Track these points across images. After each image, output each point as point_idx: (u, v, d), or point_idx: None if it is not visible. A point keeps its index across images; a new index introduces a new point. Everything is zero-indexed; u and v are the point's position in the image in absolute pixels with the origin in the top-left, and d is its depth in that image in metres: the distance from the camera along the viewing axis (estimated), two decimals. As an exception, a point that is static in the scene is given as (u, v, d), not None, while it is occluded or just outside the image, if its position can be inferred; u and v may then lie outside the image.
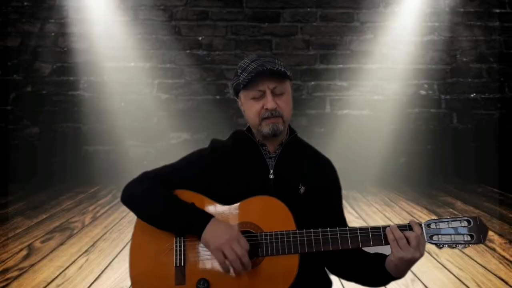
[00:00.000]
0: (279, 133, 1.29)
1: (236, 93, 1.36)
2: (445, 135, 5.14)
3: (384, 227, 1.21)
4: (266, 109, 1.27)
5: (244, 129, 1.40)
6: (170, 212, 1.23)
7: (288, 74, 1.28)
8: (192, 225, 1.20)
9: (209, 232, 1.18)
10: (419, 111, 5.16)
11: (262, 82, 1.26)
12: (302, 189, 1.30)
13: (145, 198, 1.26)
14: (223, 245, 1.15)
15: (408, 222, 1.22)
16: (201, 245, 1.22)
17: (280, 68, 1.26)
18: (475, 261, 2.47)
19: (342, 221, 1.38)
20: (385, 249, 1.22)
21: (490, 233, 2.95)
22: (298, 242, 1.20)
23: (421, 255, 1.18)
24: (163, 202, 1.24)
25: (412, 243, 1.16)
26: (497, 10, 5.21)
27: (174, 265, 1.22)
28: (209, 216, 1.21)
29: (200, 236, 1.19)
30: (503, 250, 2.65)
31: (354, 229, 1.21)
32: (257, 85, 1.27)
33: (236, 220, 1.24)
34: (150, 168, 1.37)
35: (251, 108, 1.30)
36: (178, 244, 1.23)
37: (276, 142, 1.35)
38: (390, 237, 1.18)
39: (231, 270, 1.17)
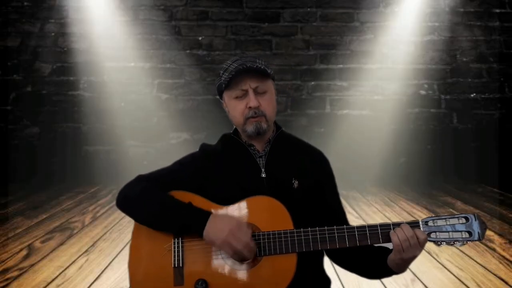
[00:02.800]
0: (262, 132, 1.30)
1: (220, 94, 1.37)
2: (445, 135, 5.14)
3: (381, 225, 1.21)
4: (250, 107, 1.28)
5: (231, 132, 1.41)
6: (168, 213, 1.23)
7: (268, 72, 1.30)
8: (191, 224, 1.20)
9: (210, 228, 1.18)
10: (419, 111, 5.16)
11: (244, 81, 1.28)
12: (296, 184, 1.30)
13: (141, 200, 1.27)
14: (227, 237, 1.16)
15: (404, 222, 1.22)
16: (199, 245, 1.22)
17: (260, 66, 1.28)
18: (475, 261, 2.47)
19: (340, 212, 1.39)
20: (390, 244, 1.23)
21: (490, 233, 2.94)
22: (296, 241, 1.20)
23: (421, 251, 1.19)
24: (159, 203, 1.24)
25: (411, 242, 1.17)
26: (497, 10, 5.20)
27: (173, 266, 1.22)
28: (207, 214, 1.21)
29: (201, 234, 1.19)
30: (503, 250, 2.65)
31: (351, 228, 1.22)
32: (239, 84, 1.28)
33: (235, 220, 1.24)
34: (150, 168, 1.37)
35: (235, 107, 1.31)
36: (176, 245, 1.23)
37: (263, 140, 1.35)
38: (394, 239, 1.18)
39: (241, 259, 1.18)
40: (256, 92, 1.29)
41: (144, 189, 1.28)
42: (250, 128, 1.29)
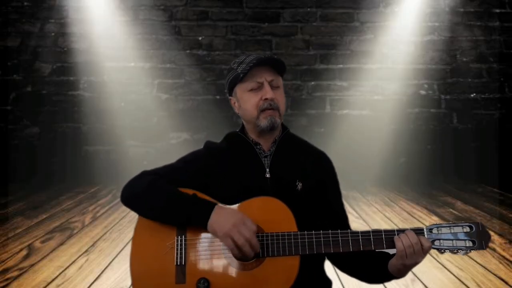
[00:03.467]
0: (276, 126, 1.31)
1: (231, 89, 1.36)
2: (445, 135, 5.14)
3: (386, 231, 1.21)
4: (266, 99, 1.28)
5: (237, 130, 1.40)
6: (174, 204, 1.23)
7: (285, 66, 1.33)
8: (196, 215, 1.20)
9: (214, 219, 1.18)
10: (419, 111, 5.16)
11: (260, 74, 1.29)
12: (299, 186, 1.30)
13: (146, 193, 1.26)
14: (230, 230, 1.15)
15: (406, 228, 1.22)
16: (202, 244, 1.22)
17: (279, 58, 1.32)
18: (475, 261, 2.47)
19: (342, 215, 1.39)
20: (391, 250, 1.23)
21: (490, 233, 2.94)
22: (299, 244, 1.20)
23: (423, 258, 1.19)
24: (165, 195, 1.24)
25: (415, 249, 1.17)
26: (497, 10, 5.21)
27: (175, 263, 1.22)
28: (212, 204, 1.21)
29: (206, 225, 1.19)
30: (503, 250, 2.65)
31: (355, 232, 1.21)
32: (255, 76, 1.29)
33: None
34: (149, 168, 1.37)
35: (249, 100, 1.31)
36: (179, 243, 1.23)
37: (270, 139, 1.35)
38: (399, 244, 1.17)
39: (242, 254, 1.16)
40: (271, 85, 1.30)
41: (150, 182, 1.28)
42: (264, 122, 1.29)
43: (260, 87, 1.30)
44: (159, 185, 1.27)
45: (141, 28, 5.11)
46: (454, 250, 1.19)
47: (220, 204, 1.22)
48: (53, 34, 5.08)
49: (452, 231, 1.20)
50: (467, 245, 1.19)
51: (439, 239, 1.20)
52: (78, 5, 5.02)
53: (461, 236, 1.20)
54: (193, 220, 1.21)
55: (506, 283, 2.18)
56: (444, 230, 1.20)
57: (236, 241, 1.15)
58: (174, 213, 1.23)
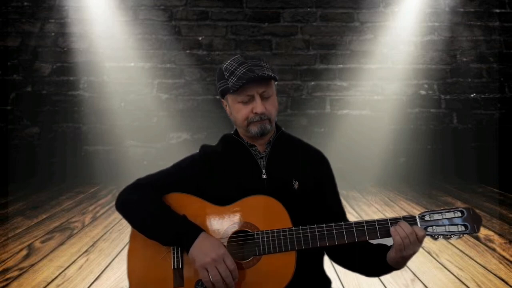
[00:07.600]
0: (266, 132, 1.31)
1: (222, 95, 1.37)
2: (445, 135, 5.14)
3: (379, 221, 1.22)
4: (256, 113, 1.28)
5: (232, 132, 1.41)
6: (160, 225, 1.21)
7: (276, 78, 1.30)
8: (180, 239, 1.19)
9: (196, 248, 1.17)
10: (419, 111, 5.16)
11: (251, 88, 1.27)
12: (296, 185, 1.30)
13: (136, 208, 1.26)
14: (208, 264, 1.15)
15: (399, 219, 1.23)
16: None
17: (269, 73, 1.27)
18: (475, 261, 2.47)
19: (340, 212, 1.39)
20: (387, 240, 1.24)
21: (490, 233, 2.95)
22: (295, 239, 1.20)
23: (420, 247, 1.21)
24: (153, 214, 1.23)
25: (411, 239, 1.18)
26: (497, 10, 5.21)
27: (172, 267, 1.22)
28: (198, 231, 1.20)
29: (188, 250, 1.18)
30: (503, 250, 2.65)
31: (349, 224, 1.22)
32: (246, 90, 1.28)
33: (233, 220, 1.24)
34: (150, 168, 1.37)
35: (239, 111, 1.31)
36: (175, 247, 1.23)
37: (265, 140, 1.36)
38: (396, 238, 1.18)
39: None
40: (262, 97, 1.29)
41: (140, 198, 1.27)
42: (254, 129, 1.30)
43: (250, 99, 1.29)
44: (149, 201, 1.25)
45: (141, 28, 5.11)
46: (447, 236, 1.21)
47: (204, 233, 1.20)
48: (53, 34, 5.08)
49: (444, 217, 1.22)
50: (460, 229, 1.21)
51: (432, 226, 1.21)
52: (78, 5, 5.02)
53: (453, 221, 1.21)
54: (177, 242, 1.20)
55: (506, 283, 2.18)
56: (436, 216, 1.22)
57: (212, 277, 1.15)
58: (159, 233, 1.22)
